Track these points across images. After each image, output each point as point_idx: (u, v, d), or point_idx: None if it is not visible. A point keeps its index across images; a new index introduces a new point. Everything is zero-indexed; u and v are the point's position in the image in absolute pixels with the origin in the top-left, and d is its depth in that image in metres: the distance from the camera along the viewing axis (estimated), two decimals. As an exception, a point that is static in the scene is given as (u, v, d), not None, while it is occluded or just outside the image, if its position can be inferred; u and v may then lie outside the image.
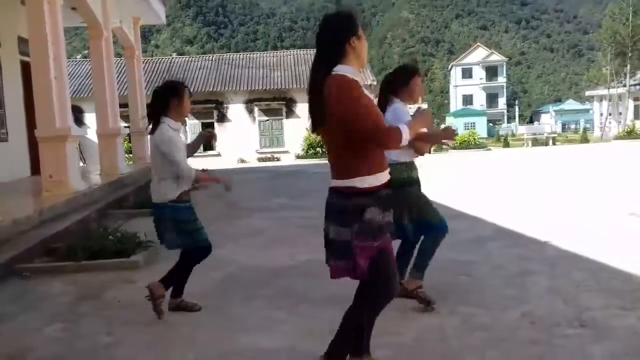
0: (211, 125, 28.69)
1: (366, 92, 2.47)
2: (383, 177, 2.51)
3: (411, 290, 3.76)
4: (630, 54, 36.92)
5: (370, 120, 2.39)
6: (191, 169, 3.70)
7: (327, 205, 2.53)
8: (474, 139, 28.55)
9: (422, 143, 3.63)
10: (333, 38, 2.46)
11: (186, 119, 4.11)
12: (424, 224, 3.77)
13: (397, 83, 3.79)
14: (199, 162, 20.11)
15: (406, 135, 2.43)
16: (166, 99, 3.68)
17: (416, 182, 3.86)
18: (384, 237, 2.50)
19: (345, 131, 2.41)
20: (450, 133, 3.64)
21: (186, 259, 3.83)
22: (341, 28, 2.48)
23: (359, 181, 2.44)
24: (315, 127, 2.51)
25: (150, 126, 3.72)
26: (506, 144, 30.14)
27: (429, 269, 3.78)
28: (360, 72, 2.53)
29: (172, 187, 3.70)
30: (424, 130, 3.20)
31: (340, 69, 2.44)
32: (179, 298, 3.91)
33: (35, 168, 10.12)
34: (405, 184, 3.70)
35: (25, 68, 10.73)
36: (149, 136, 3.81)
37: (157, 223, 3.79)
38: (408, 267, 3.92)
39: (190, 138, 28.56)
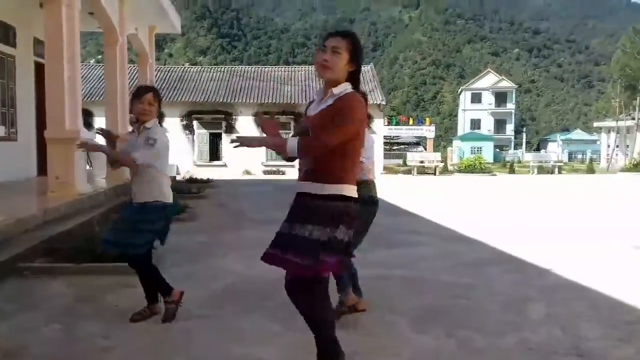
0: (219, 135, 28.83)
1: (309, 111, 2.78)
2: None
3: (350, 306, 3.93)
4: (640, 88, 37.00)
5: None
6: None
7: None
8: (480, 163, 28.57)
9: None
10: None
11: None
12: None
13: None
14: (204, 173, 20.03)
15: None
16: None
17: (376, 202, 4.01)
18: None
19: None
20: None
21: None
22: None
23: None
24: None
25: None
26: (512, 170, 30.11)
27: (428, 289, 3.74)
28: (319, 87, 2.77)
29: None
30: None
31: None
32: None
33: (43, 168, 10.20)
34: (367, 202, 3.78)
35: (39, 69, 10.86)
36: None
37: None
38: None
39: (197, 147, 28.71)
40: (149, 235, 3.81)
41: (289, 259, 2.60)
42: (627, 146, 37.57)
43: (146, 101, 3.78)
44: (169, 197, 3.88)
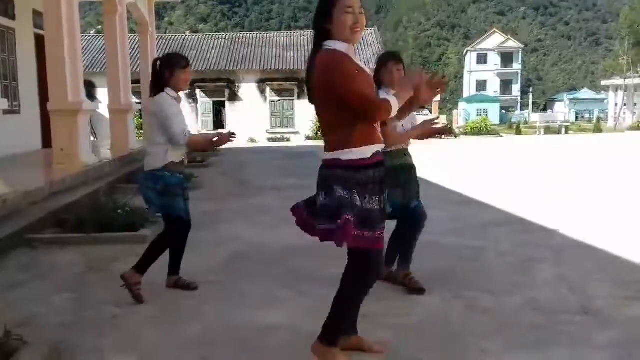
0: (222, 104, 28.68)
1: (362, 65, 2.50)
2: (369, 151, 2.50)
3: (402, 278, 3.79)
4: (648, 45, 36.38)
5: (359, 94, 2.40)
6: (183, 137, 3.64)
7: (319, 175, 2.59)
8: (486, 125, 28.37)
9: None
10: (317, 14, 2.51)
11: (183, 93, 4.07)
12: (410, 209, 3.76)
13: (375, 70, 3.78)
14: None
15: (395, 105, 2.44)
16: (161, 71, 3.72)
17: (410, 168, 3.85)
18: (369, 227, 2.51)
19: (336, 105, 2.44)
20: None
21: (161, 238, 3.80)
22: (322, 4, 2.50)
23: (344, 154, 2.47)
24: (310, 100, 2.59)
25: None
26: (518, 132, 29.90)
27: (436, 252, 3.74)
28: (351, 47, 2.50)
29: (159, 155, 3.67)
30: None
31: (329, 44, 2.47)
32: (175, 276, 3.93)
33: (47, 141, 10.19)
34: (398, 169, 3.68)
35: (39, 41, 10.75)
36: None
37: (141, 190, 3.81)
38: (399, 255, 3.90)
39: (201, 116, 28.61)
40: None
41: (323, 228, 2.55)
42: (635, 104, 37.14)
43: (190, 71, 3.79)
44: None
